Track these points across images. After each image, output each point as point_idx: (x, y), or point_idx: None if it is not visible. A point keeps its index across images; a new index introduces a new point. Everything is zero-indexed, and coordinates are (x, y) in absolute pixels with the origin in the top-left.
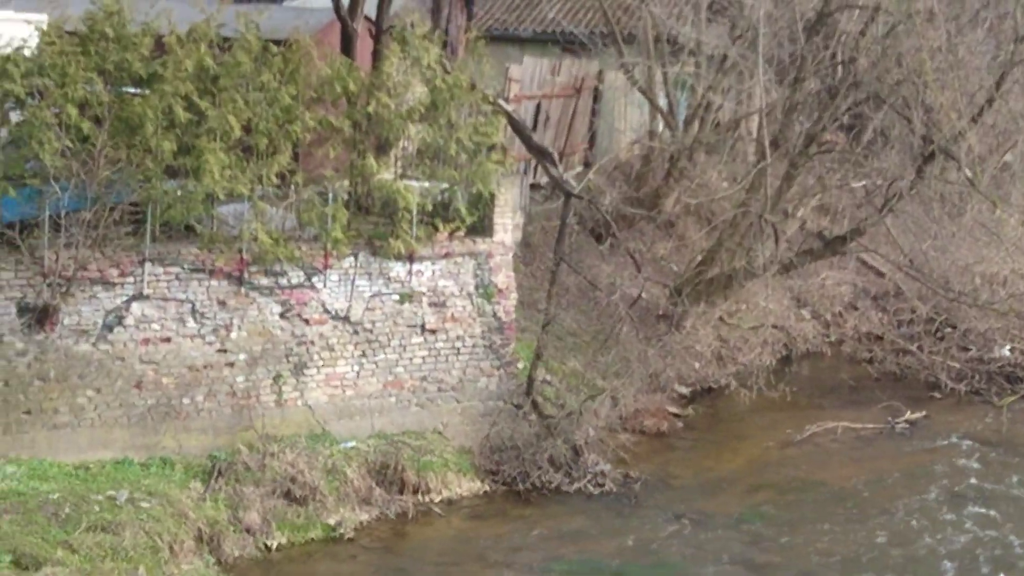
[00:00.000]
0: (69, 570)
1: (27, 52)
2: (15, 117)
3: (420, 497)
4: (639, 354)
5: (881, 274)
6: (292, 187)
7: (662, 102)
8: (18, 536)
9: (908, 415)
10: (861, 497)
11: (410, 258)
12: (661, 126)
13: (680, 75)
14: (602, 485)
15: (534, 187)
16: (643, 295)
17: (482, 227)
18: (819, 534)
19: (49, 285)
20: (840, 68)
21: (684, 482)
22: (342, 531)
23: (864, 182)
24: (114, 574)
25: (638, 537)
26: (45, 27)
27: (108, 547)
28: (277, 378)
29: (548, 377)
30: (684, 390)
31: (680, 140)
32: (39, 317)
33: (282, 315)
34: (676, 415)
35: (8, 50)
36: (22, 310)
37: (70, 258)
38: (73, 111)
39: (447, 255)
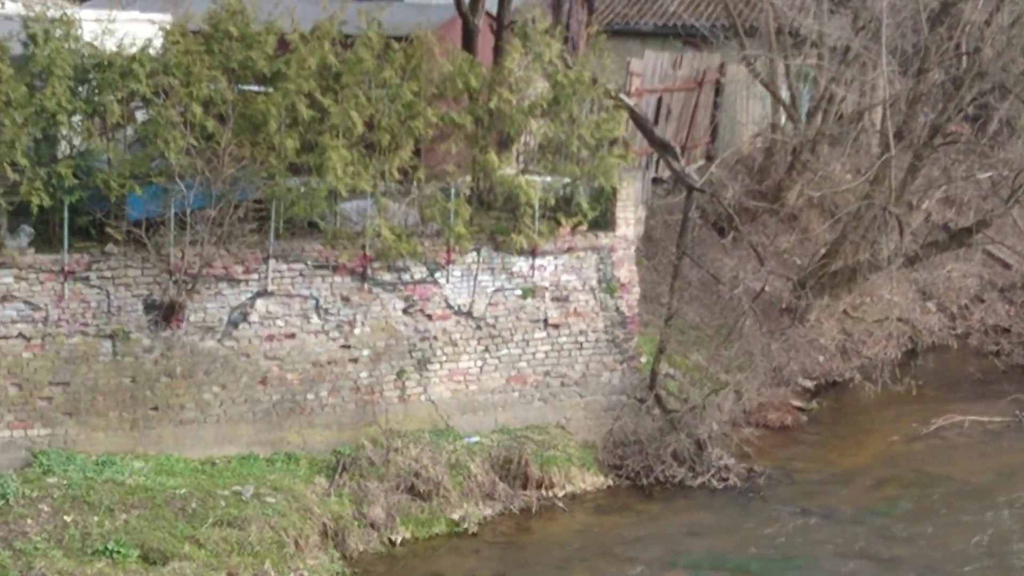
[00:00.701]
0: (196, 564)
1: (152, 52)
2: (141, 116)
3: (543, 492)
4: (762, 348)
5: (1008, 266)
6: (414, 183)
7: (784, 94)
8: (146, 531)
9: None
10: (989, 492)
11: (532, 253)
12: (783, 119)
13: (802, 67)
14: (726, 479)
15: (656, 181)
16: (766, 288)
17: (604, 221)
18: (946, 528)
19: (175, 282)
20: (965, 58)
21: (809, 476)
22: (466, 526)
23: (990, 173)
24: (240, 569)
25: (763, 532)
26: (169, 27)
27: (234, 542)
28: (400, 373)
29: (671, 371)
30: (808, 384)
31: (803, 132)
32: (165, 314)
33: (405, 311)
34: (800, 409)
35: (133, 50)
36: (149, 307)
37: (195, 255)
38: (198, 110)
39: (569, 250)
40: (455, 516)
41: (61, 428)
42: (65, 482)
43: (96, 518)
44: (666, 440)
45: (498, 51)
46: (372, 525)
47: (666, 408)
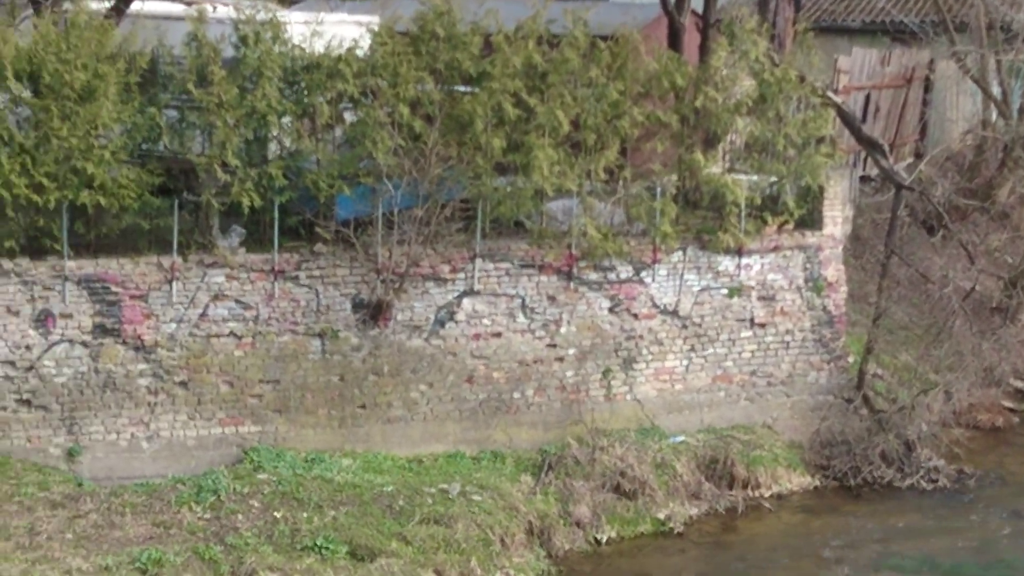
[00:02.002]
0: (403, 561)
1: (360, 53)
2: (349, 117)
3: (749, 492)
4: (973, 347)
5: None
6: (620, 182)
7: (996, 90)
8: (354, 527)
9: None
10: None
11: (739, 252)
12: (995, 115)
13: (1014, 62)
14: (935, 481)
15: (864, 179)
16: (977, 287)
17: (811, 220)
18: None
19: (383, 281)
20: None
21: (1021, 479)
22: (671, 525)
23: None
24: (447, 566)
25: (974, 534)
26: (377, 28)
27: (441, 539)
28: (606, 372)
29: (879, 371)
30: (1020, 384)
31: (1015, 129)
32: (373, 313)
33: (611, 310)
34: (1012, 410)
35: (341, 51)
36: (357, 306)
37: (403, 255)
38: (405, 110)
39: (776, 249)
40: (661, 515)
41: (271, 425)
42: (275, 478)
43: (305, 514)
44: (874, 441)
45: (704, 49)
46: (578, 524)
47: (874, 408)
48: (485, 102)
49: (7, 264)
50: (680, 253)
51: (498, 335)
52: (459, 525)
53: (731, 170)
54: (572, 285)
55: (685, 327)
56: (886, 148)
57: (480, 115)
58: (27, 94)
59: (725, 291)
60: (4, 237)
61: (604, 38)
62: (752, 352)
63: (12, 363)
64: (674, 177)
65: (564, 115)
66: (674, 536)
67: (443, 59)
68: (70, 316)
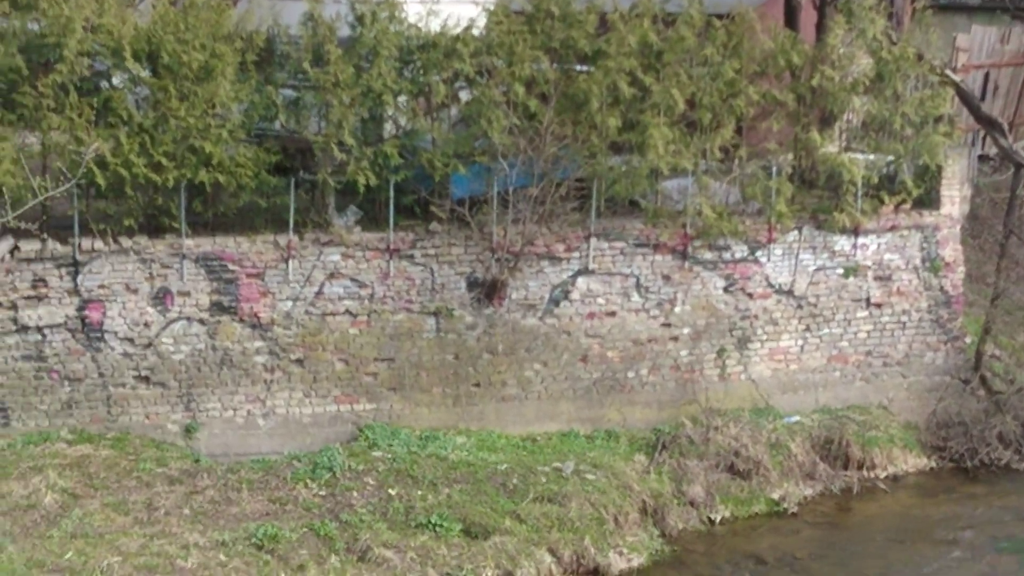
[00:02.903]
0: (516, 539)
1: (475, 32)
2: (464, 96)
3: (864, 472)
4: None
5: None
6: (736, 161)
7: None
8: (468, 505)
9: None
10: None
11: (855, 231)
12: None
13: None
14: None
15: (982, 158)
16: None
17: (928, 200)
18: None
19: (497, 260)
20: None
21: None
22: (785, 506)
23: None
24: (560, 544)
25: None
26: (492, 7)
27: (554, 517)
28: (721, 352)
29: (997, 352)
30: None
31: None
32: (488, 291)
33: (726, 289)
34: None
35: (457, 31)
36: (471, 285)
37: (517, 233)
38: (520, 89)
39: (892, 228)
40: (775, 496)
41: (386, 403)
42: (390, 456)
43: (419, 492)
44: (991, 422)
45: (821, 27)
46: (691, 503)
47: (991, 389)
48: (600, 81)
49: (126, 242)
50: (795, 232)
51: (612, 314)
52: (573, 504)
53: (847, 149)
54: (687, 264)
55: (800, 307)
56: (1005, 127)
57: (595, 94)
58: (146, 74)
59: (841, 271)
60: (123, 215)
61: (720, 16)
62: (868, 332)
63: (131, 340)
64: (790, 156)
65: (679, 94)
66: (788, 516)
67: (558, 38)
68: (188, 294)
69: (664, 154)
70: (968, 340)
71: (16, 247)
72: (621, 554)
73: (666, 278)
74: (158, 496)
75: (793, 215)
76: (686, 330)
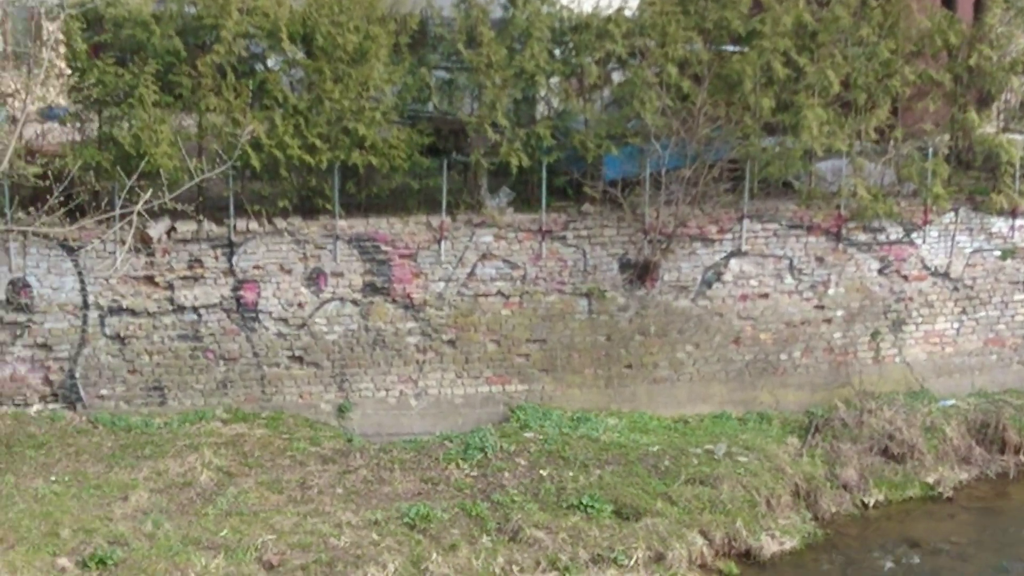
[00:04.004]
0: (668, 521)
1: (628, 13)
2: (617, 77)
3: (1022, 457)
4: None
5: None
6: (891, 142)
7: None
8: (619, 487)
9: None
10: None
11: (1012, 213)
12: None
13: None
14: None
15: None
16: None
17: None
18: None
19: (650, 242)
20: None
21: None
22: (940, 490)
23: None
24: (712, 527)
25: None
26: None
27: (706, 500)
28: (875, 335)
29: None
30: None
31: None
32: (640, 273)
33: (880, 271)
34: None
35: (609, 12)
36: (623, 266)
37: (670, 215)
38: (673, 70)
39: None
40: (929, 480)
41: (537, 384)
42: (541, 437)
43: (571, 473)
44: None
45: (978, 6)
46: (844, 487)
47: None
48: (754, 61)
49: (280, 223)
50: (952, 214)
51: (765, 296)
52: (724, 486)
53: (1006, 130)
54: (841, 246)
55: (956, 289)
56: None
57: (749, 75)
58: (300, 56)
59: (998, 253)
60: (278, 197)
61: None
62: None
63: (285, 320)
64: (946, 137)
65: (834, 74)
66: (943, 501)
67: (712, 18)
68: (341, 274)
69: (818, 135)
70: None
71: (173, 228)
72: (773, 537)
73: (819, 260)
74: (311, 475)
75: (949, 196)
76: (840, 312)
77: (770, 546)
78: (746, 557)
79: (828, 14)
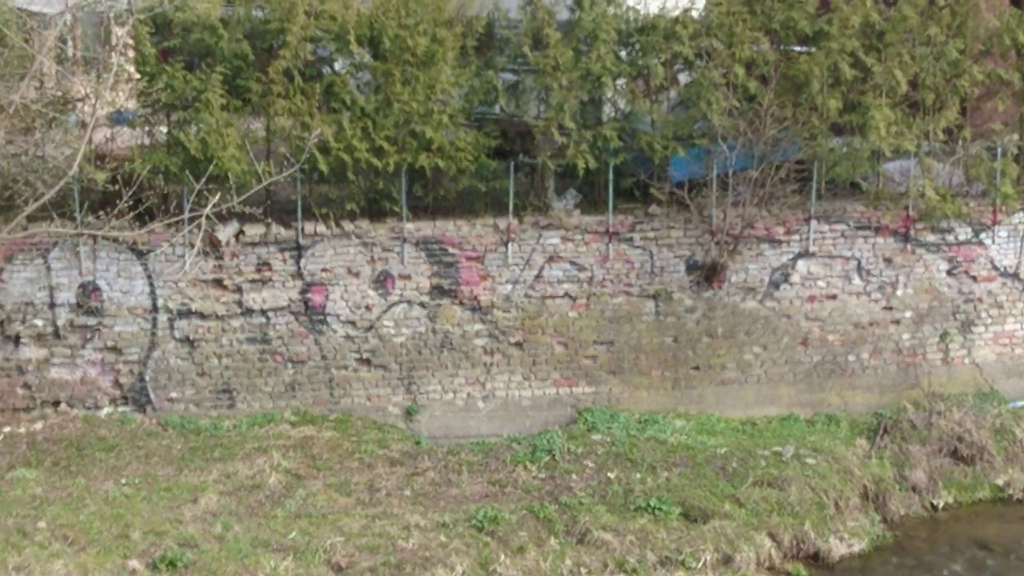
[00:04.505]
0: (736, 523)
1: (694, 14)
2: (683, 78)
3: None
4: None
5: None
6: (959, 142)
7: None
8: (687, 489)
9: None
10: None
11: None
12: None
13: None
14: None
15: None
16: None
17: None
18: None
19: (717, 243)
20: None
21: None
22: (1010, 492)
23: None
24: (780, 529)
25: None
26: None
27: (774, 502)
28: (944, 336)
29: None
30: None
31: None
32: (707, 274)
33: (949, 272)
34: None
35: (676, 12)
36: (691, 268)
37: (737, 216)
38: (740, 71)
39: None
40: (999, 482)
41: (605, 386)
42: (608, 439)
43: (638, 475)
44: None
45: None
46: (913, 489)
47: None
48: (821, 62)
49: (348, 226)
50: (1021, 214)
51: (833, 297)
52: (792, 488)
53: None
54: (909, 247)
55: None
56: None
57: (816, 75)
58: (368, 58)
59: None
60: (345, 200)
61: None
62: None
63: (353, 323)
64: (1015, 136)
65: (902, 74)
66: (1013, 503)
67: (778, 18)
68: (408, 277)
69: (886, 135)
70: None
71: (241, 231)
72: (842, 539)
73: (888, 261)
74: (380, 477)
75: (1019, 196)
76: (908, 313)
77: (838, 548)
78: (814, 559)
79: (896, 14)
